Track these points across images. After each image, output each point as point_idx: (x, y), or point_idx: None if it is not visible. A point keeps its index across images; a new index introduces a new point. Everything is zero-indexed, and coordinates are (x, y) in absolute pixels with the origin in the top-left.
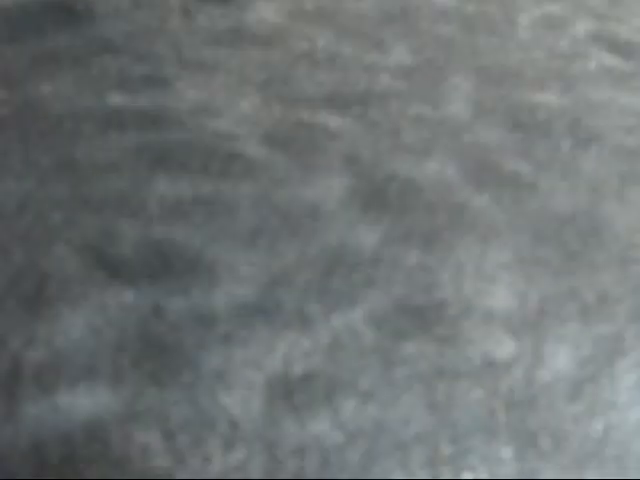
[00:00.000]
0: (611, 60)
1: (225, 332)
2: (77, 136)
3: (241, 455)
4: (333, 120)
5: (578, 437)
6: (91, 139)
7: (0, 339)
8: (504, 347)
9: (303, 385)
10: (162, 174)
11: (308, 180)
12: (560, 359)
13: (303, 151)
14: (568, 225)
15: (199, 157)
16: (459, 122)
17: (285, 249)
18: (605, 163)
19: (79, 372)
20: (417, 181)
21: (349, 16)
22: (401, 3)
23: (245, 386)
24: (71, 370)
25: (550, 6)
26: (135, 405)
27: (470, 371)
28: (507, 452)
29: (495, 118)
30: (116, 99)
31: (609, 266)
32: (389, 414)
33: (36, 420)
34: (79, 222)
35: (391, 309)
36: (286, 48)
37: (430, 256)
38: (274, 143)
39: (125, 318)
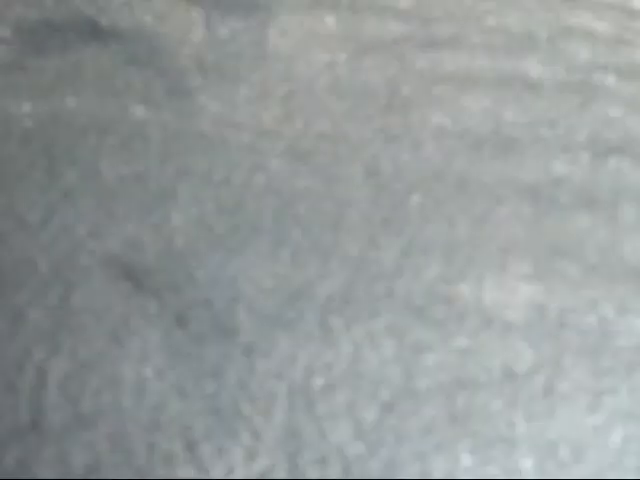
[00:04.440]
0: None
1: (247, 343)
2: (101, 148)
3: (264, 465)
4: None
5: (597, 448)
6: (115, 151)
7: (26, 349)
8: (523, 358)
9: (325, 396)
10: (185, 186)
11: (330, 193)
12: (579, 371)
13: (325, 163)
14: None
15: (222, 169)
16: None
17: (307, 261)
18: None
19: (103, 382)
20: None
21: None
22: None
23: (267, 397)
24: (95, 380)
25: None
26: (159, 415)
27: (490, 382)
28: (527, 463)
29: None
30: (139, 112)
31: (627, 279)
32: (410, 424)
33: (61, 429)
34: (103, 234)
35: (412, 320)
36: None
37: (451, 268)
38: (296, 155)
39: (149, 329)
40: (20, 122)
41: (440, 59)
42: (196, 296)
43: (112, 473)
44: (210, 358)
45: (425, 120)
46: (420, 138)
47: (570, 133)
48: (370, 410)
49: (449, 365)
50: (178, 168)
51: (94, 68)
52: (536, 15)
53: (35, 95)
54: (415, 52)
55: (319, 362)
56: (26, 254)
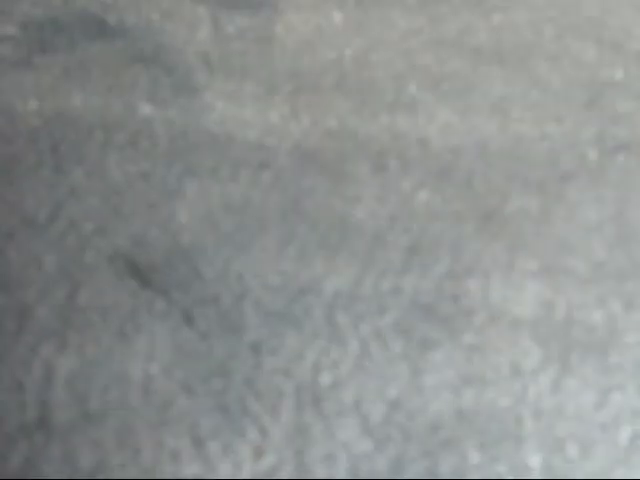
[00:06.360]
0: None
1: (255, 340)
2: (108, 146)
3: (271, 462)
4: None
5: (605, 445)
6: (122, 149)
7: (33, 346)
8: (531, 355)
9: (332, 393)
10: (192, 184)
11: (337, 190)
12: (587, 367)
13: (332, 161)
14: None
15: (229, 167)
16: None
17: (314, 258)
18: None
19: (110, 379)
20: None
21: None
22: None
23: (274, 394)
24: (102, 377)
25: None
26: (166, 412)
27: (497, 379)
28: (535, 460)
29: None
30: (146, 109)
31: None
32: (417, 421)
33: (68, 427)
34: (110, 231)
35: (419, 317)
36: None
37: (458, 264)
38: (303, 152)
39: (156, 326)
40: (27, 120)
41: (447, 56)
42: (203, 293)
43: (119, 470)
44: (217, 355)
45: (432, 117)
46: (427, 135)
47: (577, 130)
48: (377, 407)
49: (456, 362)
50: (185, 165)
51: (100, 66)
52: (543, 12)
53: (42, 93)
54: (422, 48)
55: (326, 359)
56: (33, 251)
